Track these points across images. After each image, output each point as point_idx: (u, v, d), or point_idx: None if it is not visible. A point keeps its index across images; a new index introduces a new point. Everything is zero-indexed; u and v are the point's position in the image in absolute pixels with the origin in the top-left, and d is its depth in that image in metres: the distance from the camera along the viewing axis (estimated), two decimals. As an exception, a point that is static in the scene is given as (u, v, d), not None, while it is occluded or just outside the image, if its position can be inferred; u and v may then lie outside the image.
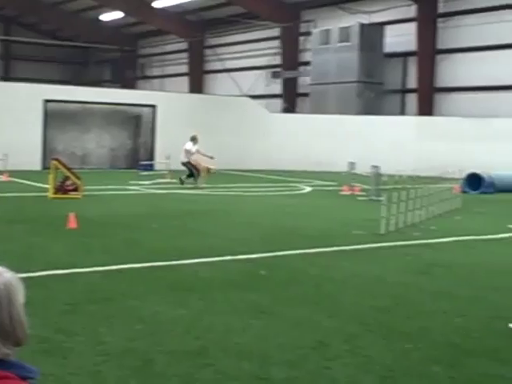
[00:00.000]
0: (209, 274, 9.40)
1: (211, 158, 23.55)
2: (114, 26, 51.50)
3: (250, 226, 14.36)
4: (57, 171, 19.08)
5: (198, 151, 23.94)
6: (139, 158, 32.99)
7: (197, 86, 48.53)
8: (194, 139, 23.95)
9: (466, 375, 5.72)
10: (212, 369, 5.67)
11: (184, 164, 23.87)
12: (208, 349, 6.15)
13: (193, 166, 23.56)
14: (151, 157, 32.99)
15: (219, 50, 48.47)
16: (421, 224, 15.02)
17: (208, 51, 49.52)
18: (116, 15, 47.48)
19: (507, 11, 32.31)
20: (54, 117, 31.13)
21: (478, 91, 33.72)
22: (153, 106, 33.39)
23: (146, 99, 33.98)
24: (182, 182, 23.33)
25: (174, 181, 24.52)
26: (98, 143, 33.03)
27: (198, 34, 48.54)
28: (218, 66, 48.58)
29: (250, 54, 45.18)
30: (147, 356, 5.93)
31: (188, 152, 23.67)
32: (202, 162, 23.74)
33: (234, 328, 6.81)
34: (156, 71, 53.95)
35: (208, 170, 23.72)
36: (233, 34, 46.36)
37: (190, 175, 23.69)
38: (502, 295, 8.66)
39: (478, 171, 24.79)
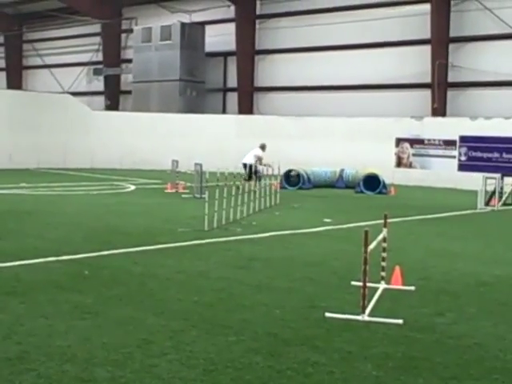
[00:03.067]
0: (31, 276, 9.19)
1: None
2: None
3: (73, 225, 14.14)
4: None
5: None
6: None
7: (15, 82, 46.73)
8: (263, 147, 24.81)
9: (284, 364, 6.02)
10: (34, 373, 5.58)
11: (248, 166, 23.87)
12: (30, 353, 6.05)
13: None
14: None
15: (39, 46, 46.95)
16: (243, 220, 15.51)
17: (27, 46, 47.81)
18: None
19: (318, 15, 33.85)
20: None
21: (293, 91, 35.04)
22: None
23: (-41, 95, 32.34)
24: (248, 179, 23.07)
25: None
26: None
27: (15, 28, 46.72)
28: (38, 61, 47.04)
29: (71, 50, 44.17)
30: (-35, 365, 5.75)
31: (259, 158, 24.17)
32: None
33: (57, 330, 6.74)
34: (-30, 66, 51.34)
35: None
36: (53, 29, 45.08)
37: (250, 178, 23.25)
38: (317, 286, 9.16)
39: (295, 168, 25.80)
